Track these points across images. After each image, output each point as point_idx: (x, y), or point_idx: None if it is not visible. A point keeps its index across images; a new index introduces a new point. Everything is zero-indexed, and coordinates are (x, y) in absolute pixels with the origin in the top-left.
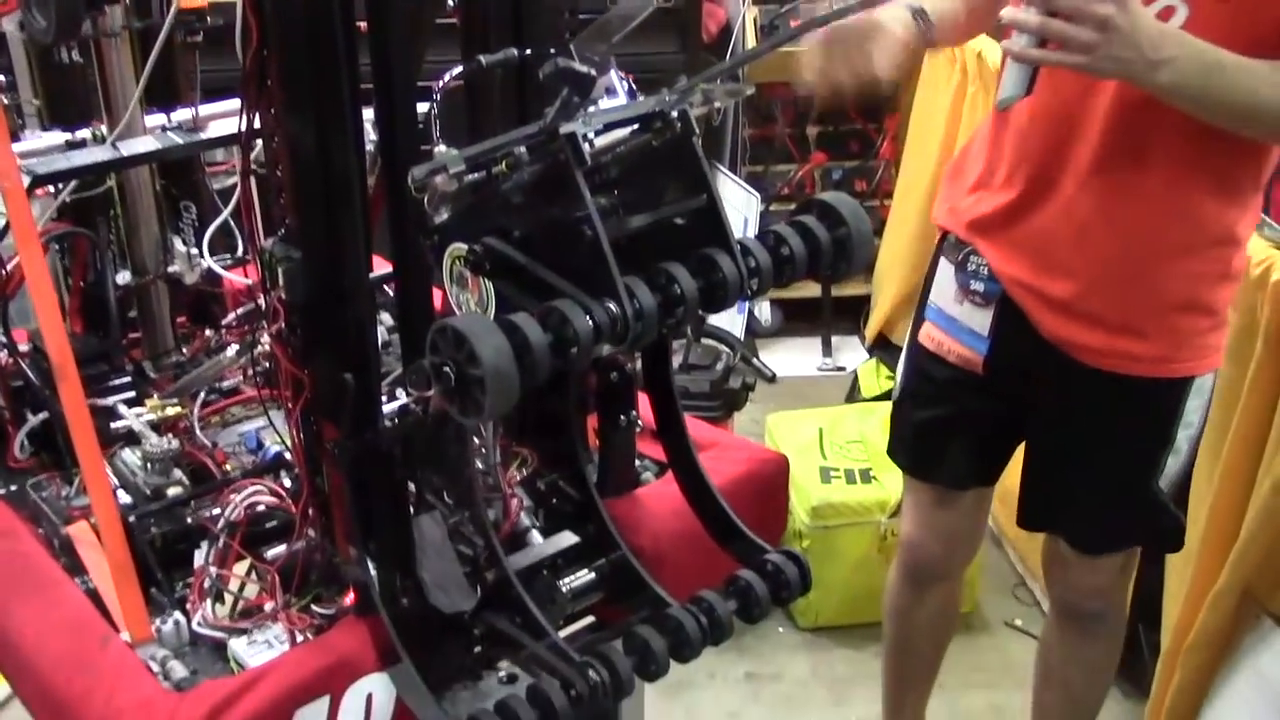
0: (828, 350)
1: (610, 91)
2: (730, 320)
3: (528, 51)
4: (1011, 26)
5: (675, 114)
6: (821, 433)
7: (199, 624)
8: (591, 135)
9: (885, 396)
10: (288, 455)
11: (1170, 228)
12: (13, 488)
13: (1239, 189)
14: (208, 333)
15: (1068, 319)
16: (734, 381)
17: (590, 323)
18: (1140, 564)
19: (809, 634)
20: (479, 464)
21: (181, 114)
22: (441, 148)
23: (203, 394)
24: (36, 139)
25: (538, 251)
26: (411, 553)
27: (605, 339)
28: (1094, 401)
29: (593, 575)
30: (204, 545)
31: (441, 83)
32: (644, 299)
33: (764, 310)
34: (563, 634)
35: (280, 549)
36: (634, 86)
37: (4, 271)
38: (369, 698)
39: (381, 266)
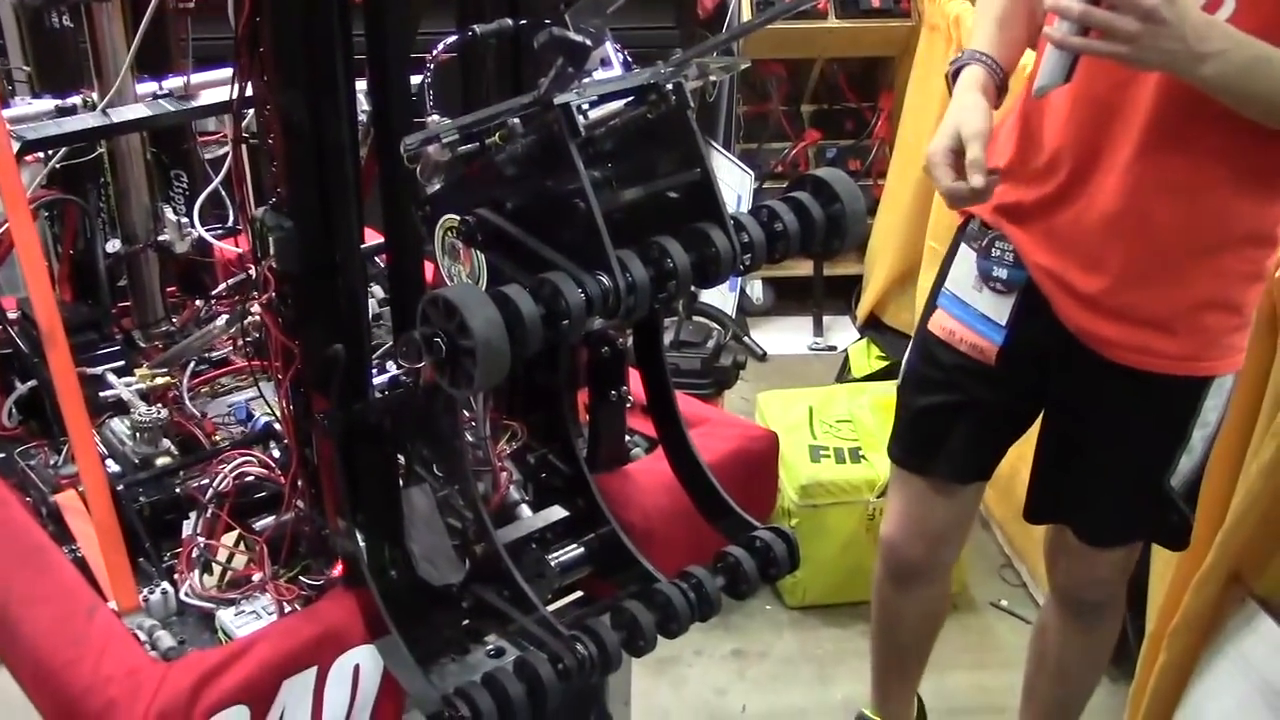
0: (819, 329)
1: (605, 63)
2: (722, 298)
3: (522, 22)
4: (1054, 12)
5: (670, 87)
6: (811, 411)
7: (187, 594)
8: (585, 107)
9: (875, 376)
10: (277, 426)
11: (1206, 224)
12: (0, 456)
13: (1277, 188)
14: (198, 302)
15: (1094, 312)
16: (725, 359)
17: (582, 295)
18: None
19: (796, 612)
20: (469, 437)
21: (173, 82)
22: (435, 118)
23: (192, 364)
24: (26, 105)
25: (530, 223)
26: (400, 525)
27: (597, 312)
28: (1112, 396)
29: (581, 550)
30: (192, 515)
31: (435, 52)
32: (636, 272)
33: (756, 288)
34: (551, 608)
35: (269, 520)
36: (629, 59)
37: None
38: (356, 669)
39: (374, 238)
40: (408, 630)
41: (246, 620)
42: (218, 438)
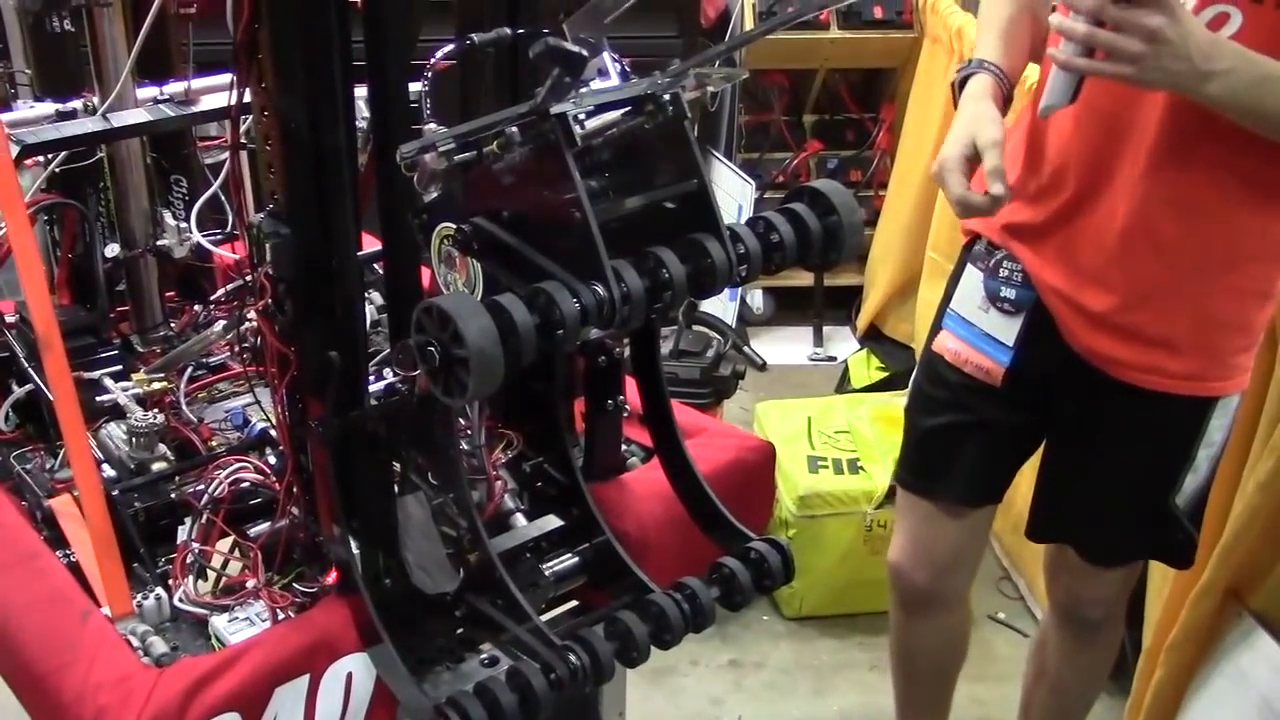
0: (819, 340)
1: (602, 73)
2: (722, 308)
3: (520, 31)
4: (1058, 33)
5: (667, 97)
6: (810, 422)
7: (181, 600)
8: (582, 116)
9: (875, 387)
10: (273, 432)
11: (1215, 242)
12: None
13: None
14: (196, 308)
15: (1103, 332)
16: (724, 369)
17: (577, 305)
18: None
19: (793, 623)
20: (464, 445)
21: (174, 87)
22: (431, 126)
23: (190, 369)
24: (27, 109)
25: (526, 233)
26: (395, 533)
27: (592, 322)
28: (1118, 416)
29: (576, 559)
30: (187, 521)
31: (432, 60)
32: (631, 283)
33: (756, 298)
34: (545, 617)
35: (263, 526)
36: (627, 69)
37: None
38: (349, 677)
39: (372, 245)
40: (401, 638)
41: (240, 627)
42: (214, 443)
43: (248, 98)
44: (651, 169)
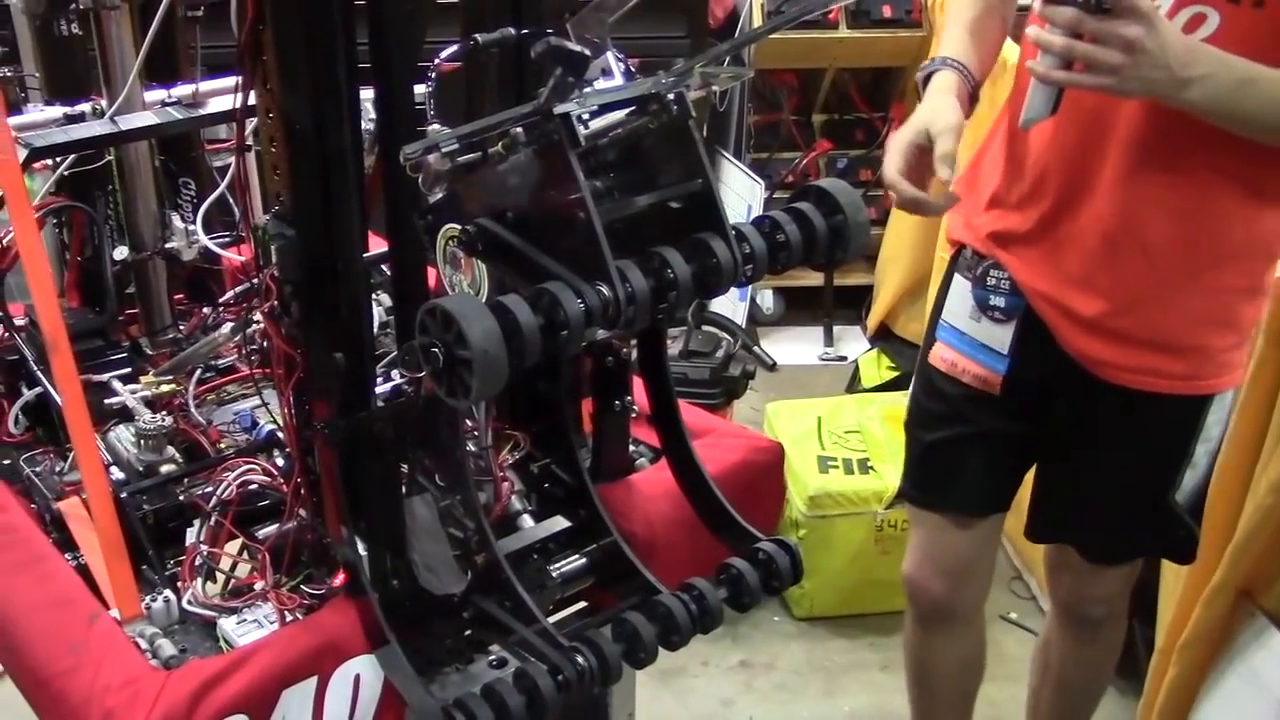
0: (829, 340)
1: (606, 73)
2: (732, 308)
3: (525, 31)
4: (1036, 46)
5: (672, 96)
6: (820, 422)
7: (189, 602)
8: (586, 116)
9: (885, 387)
10: (281, 434)
11: (1200, 240)
12: (6, 462)
13: (1272, 200)
14: (205, 310)
15: (1094, 336)
16: (734, 369)
17: (581, 306)
18: None
19: (804, 623)
20: (471, 446)
21: (181, 89)
22: (436, 126)
23: (198, 372)
24: (36, 112)
25: (531, 233)
26: (402, 534)
27: (596, 322)
28: (1114, 417)
29: (583, 560)
30: (196, 523)
31: (436, 61)
32: (636, 283)
33: (766, 298)
34: (553, 619)
35: (272, 528)
36: (631, 68)
37: (0, 245)
38: (357, 679)
39: (379, 247)
40: (408, 640)
41: (248, 629)
42: (222, 445)
43: (253, 100)
44: (656, 169)
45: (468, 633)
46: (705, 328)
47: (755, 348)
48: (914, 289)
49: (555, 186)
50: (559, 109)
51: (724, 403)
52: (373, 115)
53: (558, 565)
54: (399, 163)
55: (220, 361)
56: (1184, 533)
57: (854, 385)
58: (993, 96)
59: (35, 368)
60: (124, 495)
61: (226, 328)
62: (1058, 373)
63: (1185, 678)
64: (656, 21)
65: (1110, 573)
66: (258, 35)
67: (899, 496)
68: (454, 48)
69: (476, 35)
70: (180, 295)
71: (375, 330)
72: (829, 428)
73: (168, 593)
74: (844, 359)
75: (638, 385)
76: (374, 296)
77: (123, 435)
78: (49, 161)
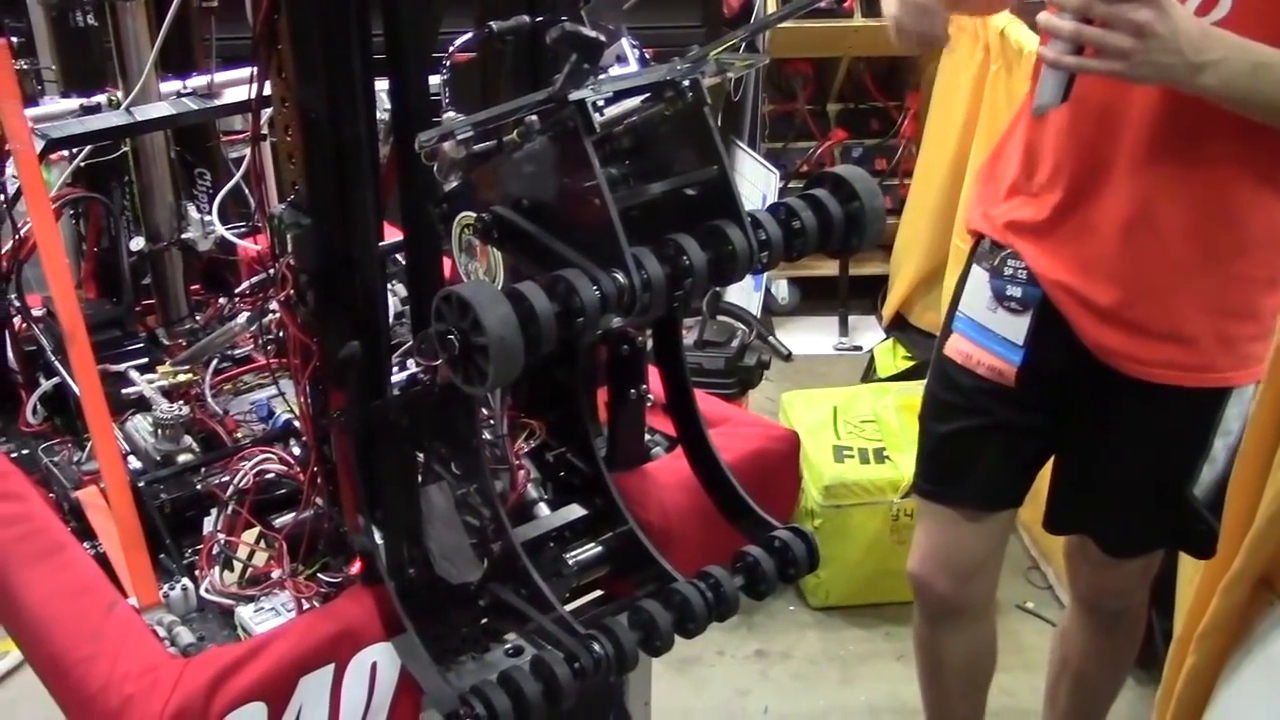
0: (844, 330)
1: (621, 59)
2: (747, 298)
3: (539, 19)
4: (1046, 31)
5: (687, 83)
6: (836, 411)
7: (207, 590)
8: (601, 103)
9: (901, 377)
10: (298, 424)
11: (1218, 229)
12: (24, 452)
13: None
14: (221, 301)
15: (1111, 326)
16: (749, 359)
17: (597, 293)
18: None
19: (819, 613)
20: (487, 435)
21: (197, 80)
22: (450, 114)
23: (215, 361)
24: (53, 104)
25: (547, 220)
26: (418, 523)
27: (612, 309)
28: (1131, 409)
29: (599, 549)
30: (213, 512)
31: (451, 48)
32: (652, 270)
33: (781, 288)
34: (569, 607)
35: (288, 517)
36: (646, 55)
37: (18, 236)
38: (373, 666)
39: (395, 236)
40: (425, 628)
41: (265, 617)
42: (239, 435)
43: (268, 90)
44: (672, 156)
45: (484, 621)
46: (720, 318)
47: (770, 338)
48: (929, 278)
49: (570, 174)
50: (574, 95)
51: (739, 393)
52: (388, 105)
53: (574, 553)
54: (414, 152)
55: (236, 352)
56: (1204, 528)
57: (869, 375)
58: (1009, 88)
59: (53, 358)
60: (141, 484)
61: (243, 317)
62: (1074, 365)
63: (1203, 667)
64: (671, 11)
65: (1128, 565)
66: (273, 24)
67: (913, 495)
68: (469, 35)
69: (491, 23)
70: (196, 286)
71: (390, 320)
72: (845, 417)
73: (185, 581)
74: (859, 349)
75: (653, 374)
76: (389, 286)
77: (140, 425)
78: (65, 153)
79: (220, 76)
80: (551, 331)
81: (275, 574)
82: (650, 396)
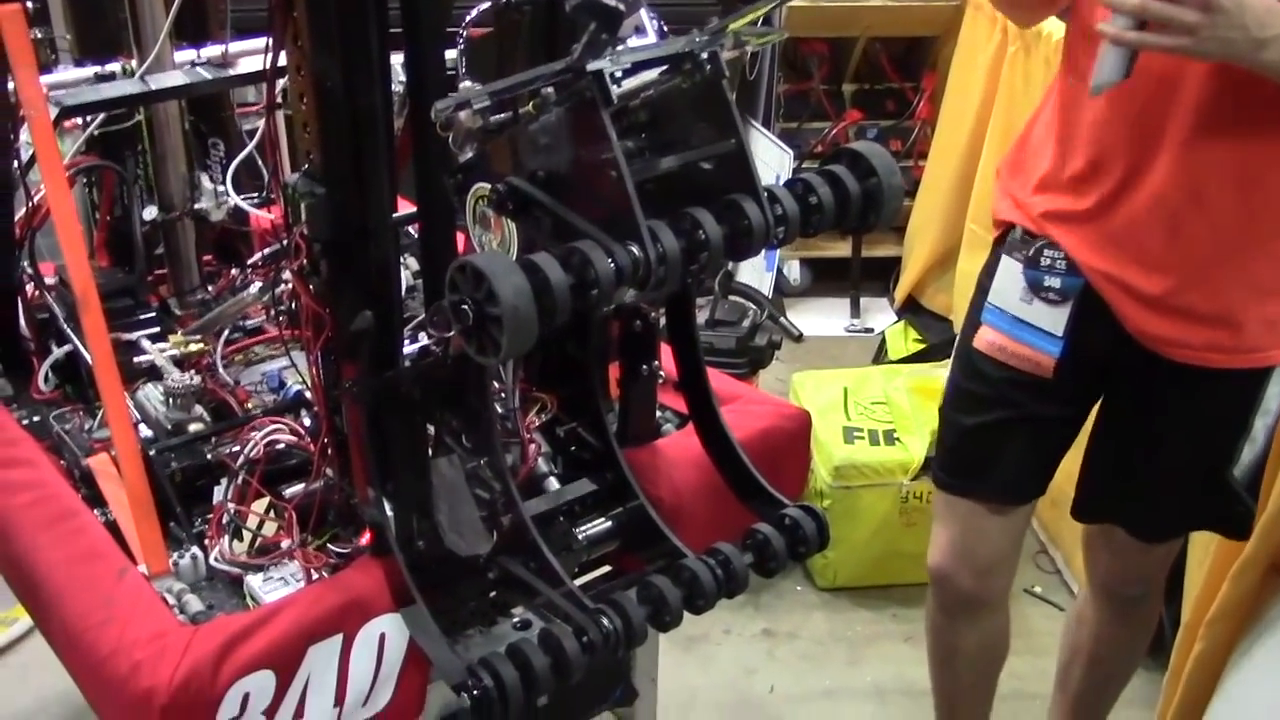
0: (856, 311)
1: (640, 31)
2: (759, 278)
3: None
4: (1108, 7)
5: (705, 56)
6: (846, 392)
7: (216, 559)
8: (619, 75)
9: (912, 359)
10: (309, 394)
11: (1265, 210)
12: (36, 419)
13: None
14: (234, 271)
15: (1158, 313)
16: (760, 339)
17: (612, 265)
18: None
19: (827, 594)
20: (498, 408)
21: (211, 50)
22: (466, 84)
23: (226, 332)
24: (67, 72)
25: (562, 192)
26: (428, 495)
27: (627, 282)
28: (1174, 394)
29: (609, 524)
30: (223, 481)
31: (467, 19)
32: (668, 243)
33: (793, 269)
34: (579, 582)
35: (298, 487)
36: (664, 27)
37: (31, 204)
38: (382, 637)
39: (409, 210)
40: (434, 600)
41: (274, 586)
42: (250, 405)
43: (283, 60)
44: (689, 129)
45: (493, 594)
46: (732, 297)
47: (782, 318)
48: (943, 261)
49: (587, 145)
50: (592, 66)
51: (749, 373)
52: (404, 78)
53: (584, 528)
54: (429, 124)
55: (248, 323)
56: (1241, 509)
57: (880, 357)
58: (1026, 70)
59: (65, 326)
60: (152, 453)
61: (255, 287)
62: (1114, 352)
63: (1212, 653)
64: None
65: (1156, 550)
66: None
67: (927, 473)
68: (485, 5)
69: None
70: (209, 257)
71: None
72: (855, 399)
73: (195, 550)
74: (870, 331)
75: (666, 352)
76: (403, 260)
77: (151, 394)
78: (79, 121)
79: (235, 46)
80: (565, 303)
81: (285, 544)
82: (662, 374)
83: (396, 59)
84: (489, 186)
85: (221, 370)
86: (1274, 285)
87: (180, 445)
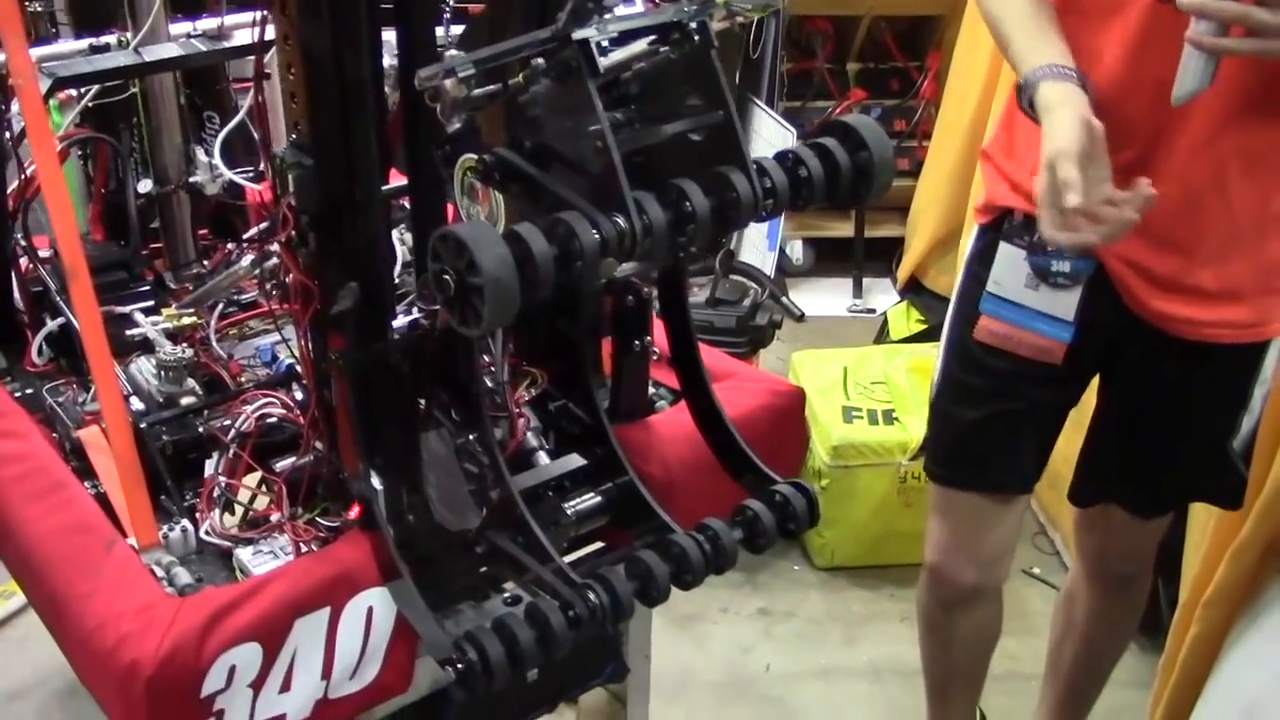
0: (858, 291)
1: (628, 0)
2: (761, 258)
3: None
4: (1197, 14)
5: (694, 25)
6: (845, 372)
7: (206, 532)
8: (606, 44)
9: (913, 339)
10: (300, 368)
11: (1277, 190)
12: (29, 391)
13: None
14: (229, 246)
15: (1168, 292)
16: (761, 318)
17: (596, 236)
18: None
19: (824, 573)
20: (488, 382)
21: (206, 23)
22: (452, 52)
23: (220, 306)
24: (61, 44)
25: (549, 163)
26: (418, 469)
27: (612, 253)
28: (1178, 371)
29: (599, 499)
30: (214, 455)
31: None
32: (654, 214)
33: (796, 249)
34: (570, 558)
35: (289, 461)
36: None
37: (24, 175)
38: (370, 611)
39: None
40: (422, 575)
41: (264, 559)
42: (243, 379)
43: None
44: (677, 100)
45: (482, 569)
46: (733, 276)
47: (783, 298)
48: (946, 241)
49: (573, 116)
50: (578, 35)
51: (750, 352)
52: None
53: (573, 503)
54: (420, 99)
55: (243, 297)
56: (1236, 479)
57: (882, 337)
58: None
59: (58, 298)
60: (143, 425)
61: (246, 260)
62: (1122, 333)
63: (1208, 634)
64: None
65: (1149, 526)
66: None
67: (925, 445)
68: None
69: None
70: (204, 231)
71: (399, 270)
72: (855, 378)
73: (185, 523)
74: (873, 311)
75: (659, 329)
76: (398, 234)
77: (144, 367)
78: (74, 93)
79: (230, 19)
80: (549, 274)
81: (274, 517)
82: (655, 350)
83: (389, 34)
84: (476, 158)
85: (214, 344)
86: (1276, 260)
87: (172, 418)
